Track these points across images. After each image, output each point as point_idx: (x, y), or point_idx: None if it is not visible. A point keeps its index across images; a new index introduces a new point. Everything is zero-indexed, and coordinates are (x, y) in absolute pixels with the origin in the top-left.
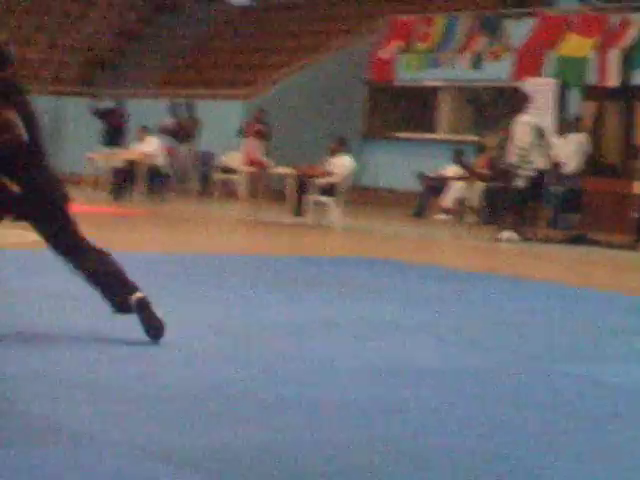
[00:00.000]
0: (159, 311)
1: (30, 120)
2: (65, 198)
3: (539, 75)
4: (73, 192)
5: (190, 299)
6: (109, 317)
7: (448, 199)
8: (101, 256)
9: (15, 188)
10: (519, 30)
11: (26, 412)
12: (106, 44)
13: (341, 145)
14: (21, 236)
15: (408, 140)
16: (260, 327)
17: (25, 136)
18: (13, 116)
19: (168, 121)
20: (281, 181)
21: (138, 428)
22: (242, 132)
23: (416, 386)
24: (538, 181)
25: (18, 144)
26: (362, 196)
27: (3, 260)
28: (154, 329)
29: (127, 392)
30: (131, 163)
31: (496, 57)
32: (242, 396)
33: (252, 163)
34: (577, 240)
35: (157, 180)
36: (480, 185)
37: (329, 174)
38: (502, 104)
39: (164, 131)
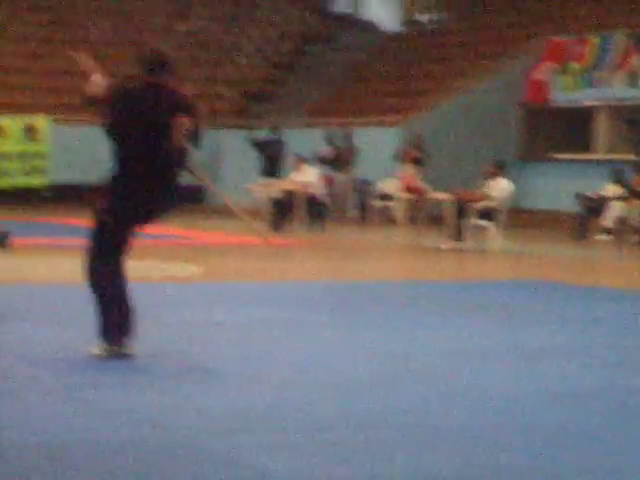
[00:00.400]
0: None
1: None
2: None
3: None
4: (232, 224)
5: (352, 326)
6: (265, 348)
7: (608, 219)
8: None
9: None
10: None
11: (183, 444)
12: (261, 76)
13: (499, 168)
14: (182, 269)
15: (565, 161)
16: (423, 353)
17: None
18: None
19: (325, 150)
20: (439, 206)
21: (302, 458)
22: (399, 158)
23: (593, 409)
24: None
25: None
26: (521, 219)
27: (171, 292)
28: None
29: (287, 421)
30: (289, 193)
31: None
32: (411, 424)
33: (410, 189)
34: None
35: (315, 209)
36: None
37: (487, 198)
38: None
39: (322, 160)
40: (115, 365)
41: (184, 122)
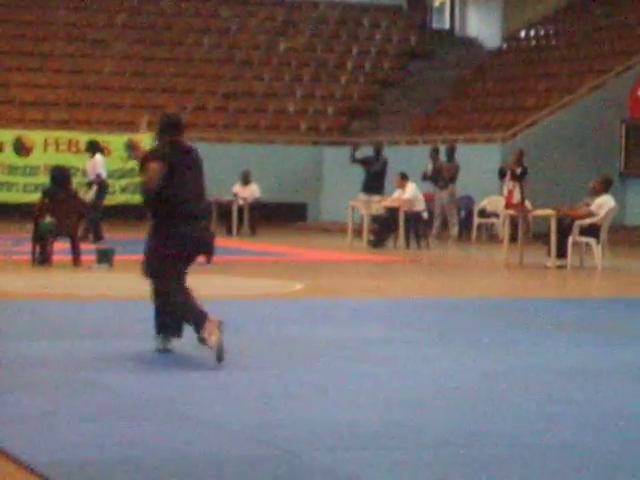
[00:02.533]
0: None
1: (180, 177)
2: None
3: None
4: (334, 240)
5: (458, 343)
6: (370, 365)
7: None
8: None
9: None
10: None
11: (299, 457)
12: (362, 92)
13: (606, 184)
14: (284, 286)
15: None
16: (532, 372)
17: (154, 186)
18: (156, 168)
19: (428, 167)
20: (542, 223)
21: (409, 475)
22: (501, 175)
23: None
24: None
25: (149, 190)
26: (625, 235)
27: (283, 308)
28: None
29: (394, 438)
30: (392, 210)
31: None
32: (523, 442)
33: (512, 206)
34: None
35: (417, 226)
36: None
37: (591, 214)
38: None
39: (425, 177)
40: (224, 381)
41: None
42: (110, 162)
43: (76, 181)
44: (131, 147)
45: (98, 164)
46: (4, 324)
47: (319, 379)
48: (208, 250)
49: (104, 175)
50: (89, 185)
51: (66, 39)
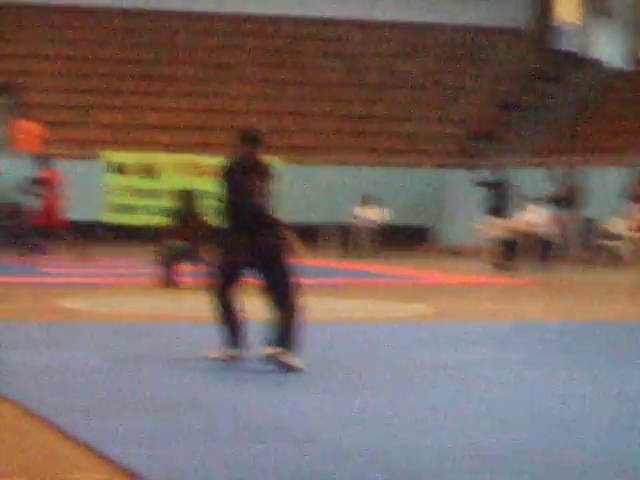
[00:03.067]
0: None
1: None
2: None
3: None
4: (459, 263)
5: (588, 367)
6: (494, 387)
7: None
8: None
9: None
10: None
11: None
12: (485, 115)
13: None
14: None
15: None
16: None
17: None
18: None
19: (552, 189)
20: None
21: None
22: (626, 197)
23: None
24: None
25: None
26: None
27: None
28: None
29: (526, 462)
30: (516, 232)
31: None
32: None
33: (638, 228)
34: None
35: (542, 249)
36: None
37: None
38: None
39: (549, 200)
40: (345, 403)
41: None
42: None
43: (204, 204)
44: None
45: None
46: (129, 346)
47: (441, 402)
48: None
49: None
50: None
51: (193, 63)
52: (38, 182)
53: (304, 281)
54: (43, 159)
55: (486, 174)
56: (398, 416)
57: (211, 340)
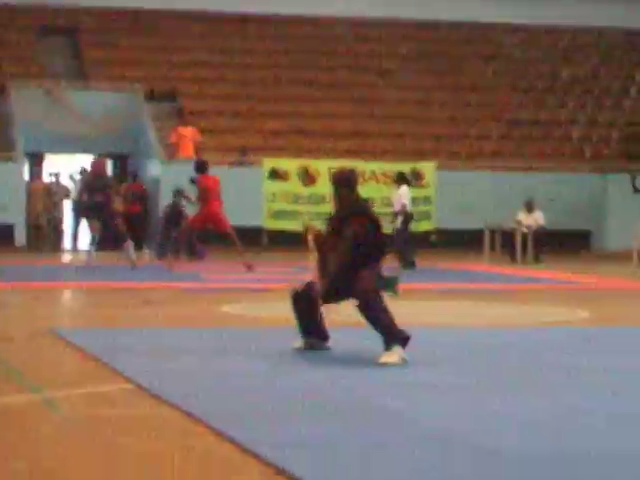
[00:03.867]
0: None
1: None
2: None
3: None
4: (620, 268)
5: None
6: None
7: None
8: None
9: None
10: None
11: None
12: None
13: None
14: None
15: None
16: None
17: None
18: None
19: None
20: None
21: None
22: None
23: None
24: None
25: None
26: None
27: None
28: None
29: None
30: None
31: None
32: None
33: None
34: None
35: None
36: None
37: None
38: None
39: None
40: (502, 407)
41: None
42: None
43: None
44: (415, 175)
45: (404, 195)
46: (283, 351)
47: (597, 407)
48: None
49: (408, 206)
50: (395, 215)
51: (352, 69)
52: (195, 187)
53: (470, 286)
54: (200, 165)
55: None
56: (559, 420)
57: (373, 343)
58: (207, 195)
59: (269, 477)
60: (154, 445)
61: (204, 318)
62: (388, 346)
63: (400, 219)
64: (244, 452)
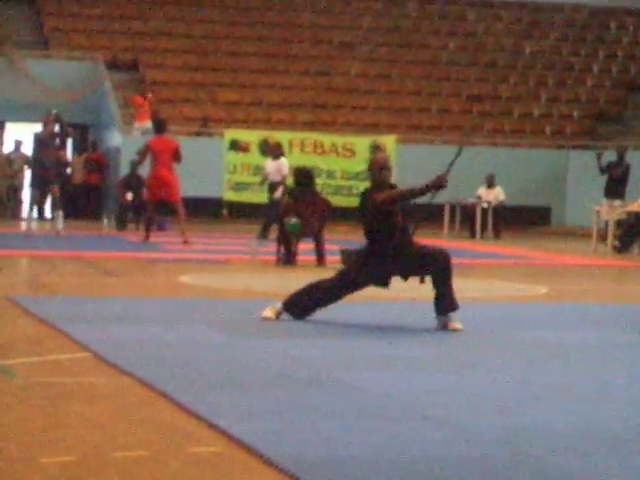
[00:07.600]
0: None
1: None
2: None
3: None
4: (578, 245)
5: None
6: (616, 369)
7: None
8: None
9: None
10: None
11: (541, 460)
12: (608, 96)
13: None
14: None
15: None
16: None
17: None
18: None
19: None
20: None
21: None
22: None
23: None
24: None
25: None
26: None
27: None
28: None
29: (633, 443)
30: (636, 215)
31: None
32: None
33: None
34: None
35: None
36: None
37: None
38: None
39: None
40: (465, 382)
41: None
42: (355, 164)
43: (321, 182)
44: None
45: (283, 166)
46: (251, 322)
47: (562, 382)
48: None
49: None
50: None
51: (312, 41)
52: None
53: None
54: (156, 124)
55: (606, 156)
56: (519, 395)
57: (336, 317)
58: (153, 159)
59: (224, 446)
60: (109, 413)
61: (164, 288)
62: (446, 312)
63: (281, 189)
64: (199, 421)
